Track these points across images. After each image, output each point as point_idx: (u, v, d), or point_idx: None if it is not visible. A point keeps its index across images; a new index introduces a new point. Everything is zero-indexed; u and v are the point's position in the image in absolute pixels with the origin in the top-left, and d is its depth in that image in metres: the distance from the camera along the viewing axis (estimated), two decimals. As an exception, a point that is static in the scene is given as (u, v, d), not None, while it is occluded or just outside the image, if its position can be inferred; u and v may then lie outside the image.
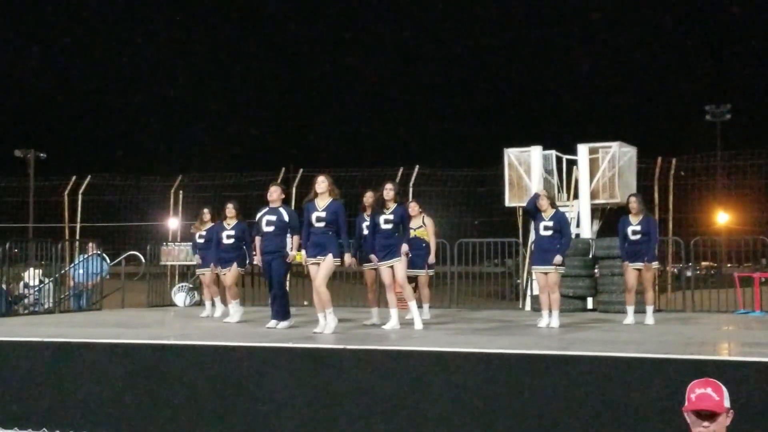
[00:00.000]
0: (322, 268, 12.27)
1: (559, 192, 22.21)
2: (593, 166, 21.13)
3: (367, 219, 13.61)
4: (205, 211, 16.33)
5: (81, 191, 29.62)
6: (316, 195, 12.45)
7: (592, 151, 21.24)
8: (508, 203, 22.12)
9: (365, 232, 13.60)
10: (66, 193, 29.90)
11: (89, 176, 30.06)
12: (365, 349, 10.09)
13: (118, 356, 10.62)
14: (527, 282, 20.65)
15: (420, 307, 13.75)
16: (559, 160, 22.27)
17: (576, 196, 21.60)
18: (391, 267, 12.85)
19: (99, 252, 19.81)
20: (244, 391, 9.91)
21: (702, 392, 4.87)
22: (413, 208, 14.68)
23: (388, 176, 26.81)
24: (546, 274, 13.33)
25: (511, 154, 22.11)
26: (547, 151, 22.03)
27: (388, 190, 12.90)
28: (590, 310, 17.80)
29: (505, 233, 23.27)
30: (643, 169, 23.78)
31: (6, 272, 17.66)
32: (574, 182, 21.97)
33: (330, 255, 12.24)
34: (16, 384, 10.73)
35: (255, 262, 14.25)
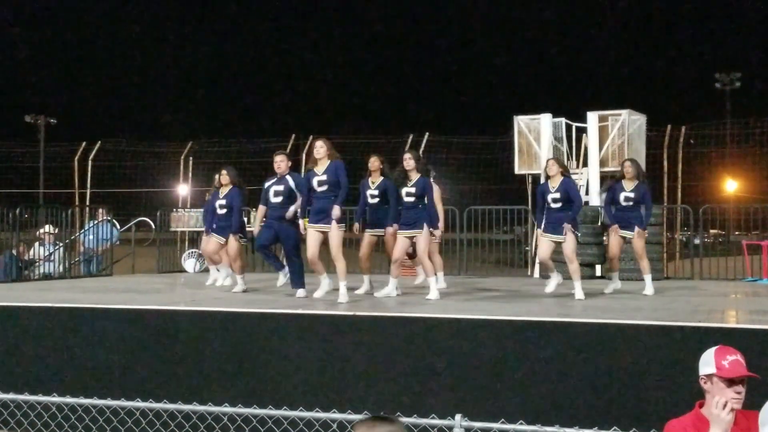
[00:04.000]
0: (332, 239, 11.97)
1: (568, 159, 22.19)
2: (603, 133, 21.10)
3: (371, 185, 13.20)
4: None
5: (91, 157, 29.71)
6: (315, 162, 12.21)
7: (602, 119, 21.20)
8: (517, 171, 22.14)
9: (369, 199, 13.23)
10: (76, 159, 29.98)
11: (99, 142, 30.14)
12: (375, 316, 10.13)
13: (129, 322, 10.67)
14: (536, 249, 20.68)
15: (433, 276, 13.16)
16: (568, 127, 22.25)
17: (585, 164, 21.59)
18: (411, 238, 12.46)
19: (109, 218, 19.85)
20: (254, 357, 9.97)
21: (734, 359, 4.89)
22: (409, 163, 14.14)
23: (397, 143, 26.99)
24: (558, 243, 12.72)
25: (521, 121, 22.09)
26: (557, 119, 22.00)
27: (408, 160, 12.51)
28: (598, 277, 17.82)
29: (514, 200, 23.30)
30: (652, 137, 23.79)
31: (17, 237, 17.73)
32: (584, 150, 21.97)
33: (335, 223, 11.93)
34: (27, 349, 10.80)
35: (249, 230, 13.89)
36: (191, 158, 28.59)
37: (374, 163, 13.24)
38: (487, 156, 25.86)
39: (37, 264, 18.52)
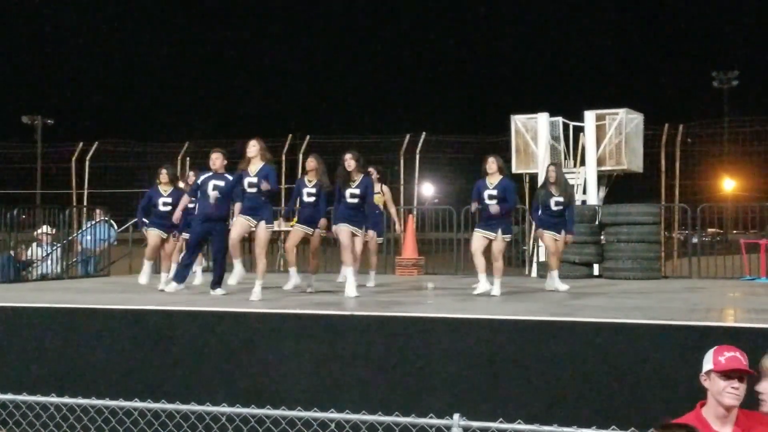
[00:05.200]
0: (258, 237, 12.24)
1: (566, 159, 22.22)
2: (600, 132, 21.14)
3: (308, 184, 13.54)
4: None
5: (88, 157, 29.69)
6: (248, 162, 12.32)
7: (599, 118, 21.25)
8: (515, 170, 22.13)
9: (305, 198, 13.59)
10: (73, 159, 29.96)
11: (96, 143, 30.12)
12: (373, 315, 10.13)
13: (126, 322, 10.67)
14: (533, 248, 20.69)
15: (354, 274, 13.02)
16: (565, 126, 22.28)
17: (583, 163, 21.60)
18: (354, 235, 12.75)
19: (107, 218, 19.83)
20: (252, 358, 9.96)
21: (731, 355, 4.91)
22: (371, 174, 14.45)
23: (394, 143, 27.00)
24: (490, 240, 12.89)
25: (518, 120, 22.12)
26: (554, 118, 22.04)
27: (349, 161, 12.72)
28: (596, 276, 17.82)
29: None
30: (650, 136, 23.81)
31: (14, 238, 17.71)
32: (581, 149, 21.97)
33: (263, 222, 12.15)
34: (25, 349, 10.79)
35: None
36: (188, 158, 28.56)
37: (310, 163, 13.67)
38: (485, 155, 25.82)
39: (35, 265, 18.50)
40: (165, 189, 14.61)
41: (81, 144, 30.13)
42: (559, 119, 22.12)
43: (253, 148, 12.34)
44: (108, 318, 10.79)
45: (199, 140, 29.67)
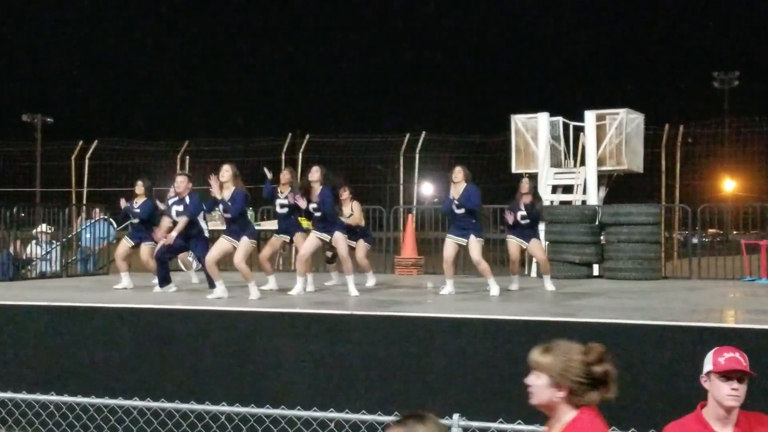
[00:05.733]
0: (239, 247, 12.35)
1: (565, 158, 22.21)
2: (600, 132, 21.14)
3: (280, 196, 13.91)
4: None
5: (88, 156, 29.69)
6: (221, 186, 12.51)
7: (600, 118, 21.24)
8: (515, 170, 22.14)
9: (278, 209, 14.05)
10: (73, 157, 29.96)
11: (96, 141, 30.12)
12: (373, 315, 10.13)
13: (126, 321, 10.66)
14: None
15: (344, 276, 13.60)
16: (566, 126, 22.27)
17: (583, 163, 21.59)
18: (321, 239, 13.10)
19: (106, 216, 19.82)
20: (251, 357, 9.95)
21: (731, 356, 4.89)
22: (342, 193, 14.86)
23: (394, 142, 26.99)
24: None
25: (518, 120, 22.12)
26: (554, 118, 22.04)
27: (314, 173, 13.13)
28: (596, 276, 17.80)
29: (512, 200, 23.25)
30: (650, 136, 23.81)
31: (14, 236, 17.71)
32: (581, 149, 21.96)
33: (245, 237, 12.39)
34: (24, 348, 10.78)
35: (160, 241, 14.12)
36: (188, 157, 28.55)
37: (285, 176, 14.16)
38: (484, 155, 25.83)
39: (34, 263, 18.50)
40: (137, 201, 14.65)
41: (81, 142, 30.14)
42: (560, 119, 22.12)
43: (226, 173, 12.56)
44: (107, 317, 10.78)
45: (199, 139, 29.70)
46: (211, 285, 12.87)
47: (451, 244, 13.26)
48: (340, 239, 12.94)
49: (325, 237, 12.94)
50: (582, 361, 4.25)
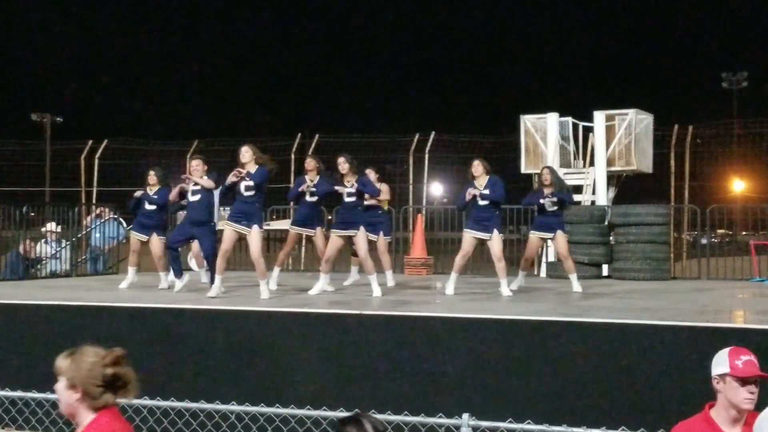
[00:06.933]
0: (251, 240, 12.21)
1: (575, 159, 22.20)
2: (609, 133, 21.10)
3: (307, 181, 13.84)
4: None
5: (97, 155, 29.75)
6: (242, 165, 12.33)
7: (609, 118, 21.20)
8: (524, 170, 22.12)
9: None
10: (82, 157, 30.02)
11: (105, 141, 30.18)
12: (383, 315, 10.14)
13: (135, 320, 10.68)
14: (542, 249, 20.65)
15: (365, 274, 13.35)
16: (575, 127, 22.24)
17: (592, 163, 21.56)
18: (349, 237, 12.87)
19: (115, 216, 19.84)
20: (260, 356, 9.97)
21: (748, 359, 4.88)
22: (370, 174, 14.60)
23: (404, 142, 27.00)
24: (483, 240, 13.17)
25: (527, 120, 22.10)
26: (564, 118, 22.00)
27: (342, 164, 12.82)
28: (605, 277, 17.79)
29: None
30: (659, 137, 23.78)
31: (23, 235, 17.75)
32: (590, 149, 21.93)
33: (255, 227, 12.21)
34: (34, 347, 10.80)
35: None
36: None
37: (309, 164, 14.07)
38: (494, 155, 25.76)
39: (44, 262, 18.54)
40: (152, 189, 14.51)
41: (90, 142, 30.20)
42: (569, 119, 22.09)
43: (246, 153, 12.37)
44: (116, 316, 10.80)
45: (209, 138, 29.71)
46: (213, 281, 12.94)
47: (471, 239, 13.05)
48: (361, 238, 12.71)
49: (349, 233, 12.75)
50: (95, 363, 4.35)
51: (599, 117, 21.23)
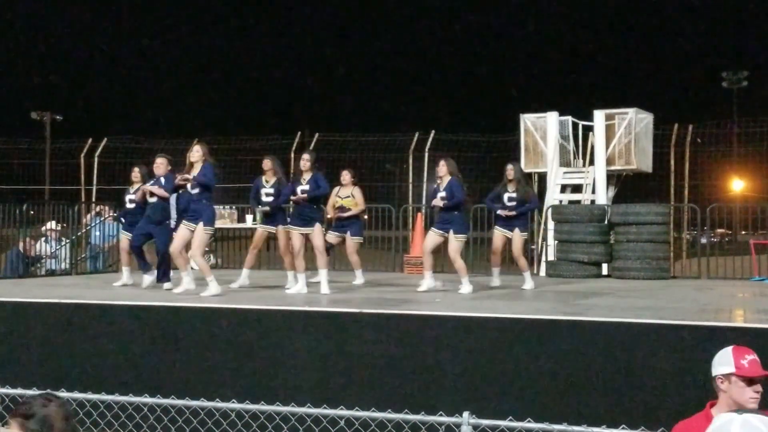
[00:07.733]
0: (194, 236, 12.40)
1: (574, 158, 22.20)
2: (609, 132, 21.09)
3: (266, 184, 14.12)
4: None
5: (97, 154, 29.73)
6: (191, 166, 12.61)
7: (609, 117, 21.19)
8: (524, 169, 22.10)
9: (263, 197, 14.12)
10: (82, 155, 30.01)
11: (105, 139, 30.16)
12: (382, 313, 10.14)
13: (135, 318, 10.68)
14: (542, 248, 20.66)
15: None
16: (575, 126, 22.24)
17: (592, 163, 21.56)
18: (307, 234, 12.90)
19: (115, 214, 19.82)
20: (260, 354, 9.97)
21: (752, 358, 4.88)
22: (345, 176, 15.14)
23: (404, 141, 26.98)
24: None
25: (527, 119, 22.10)
26: (564, 117, 22.00)
27: (305, 161, 13.11)
28: (605, 276, 17.79)
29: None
30: (659, 136, 23.77)
31: (23, 233, 17.75)
32: (590, 148, 21.92)
33: (201, 224, 12.35)
34: (34, 345, 10.81)
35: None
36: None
37: (267, 164, 14.43)
38: (494, 154, 25.79)
39: (44, 260, 18.54)
40: (134, 187, 14.76)
41: (90, 140, 30.18)
42: (569, 118, 22.08)
43: (197, 153, 12.66)
44: (116, 314, 10.80)
45: (208, 137, 29.69)
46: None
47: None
48: (317, 233, 12.83)
49: (306, 230, 12.82)
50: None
51: (599, 116, 21.22)
